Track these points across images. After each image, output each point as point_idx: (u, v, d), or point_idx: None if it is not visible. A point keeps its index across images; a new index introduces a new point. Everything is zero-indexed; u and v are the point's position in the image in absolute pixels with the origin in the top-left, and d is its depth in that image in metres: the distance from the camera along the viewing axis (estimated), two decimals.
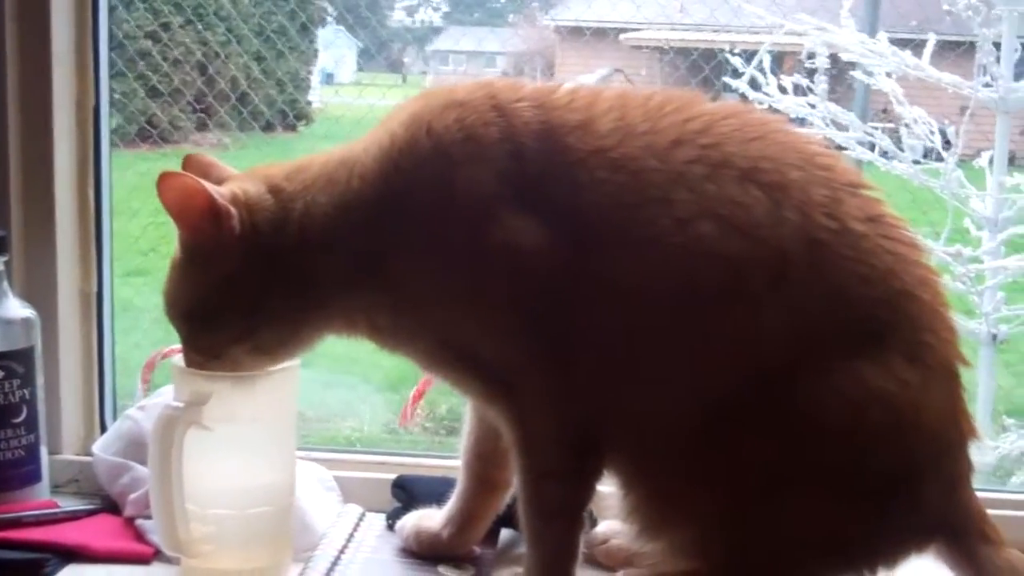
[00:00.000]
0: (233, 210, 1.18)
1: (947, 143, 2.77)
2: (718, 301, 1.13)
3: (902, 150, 2.78)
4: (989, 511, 1.26)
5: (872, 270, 1.15)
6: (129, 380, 2.80)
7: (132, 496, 1.45)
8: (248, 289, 1.21)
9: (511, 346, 1.17)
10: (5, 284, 1.44)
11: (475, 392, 1.25)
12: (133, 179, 4.22)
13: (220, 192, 1.19)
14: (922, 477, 1.17)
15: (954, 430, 1.19)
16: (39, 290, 1.54)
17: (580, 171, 1.15)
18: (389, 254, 1.18)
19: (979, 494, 1.25)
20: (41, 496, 1.49)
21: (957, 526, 1.22)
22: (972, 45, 2.73)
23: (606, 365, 1.16)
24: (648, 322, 1.15)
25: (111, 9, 1.61)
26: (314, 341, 1.27)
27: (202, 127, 4.53)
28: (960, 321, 2.59)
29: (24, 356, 1.45)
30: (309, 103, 4.68)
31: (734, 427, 1.13)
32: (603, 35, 4.12)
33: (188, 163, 1.27)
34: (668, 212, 1.13)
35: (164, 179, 1.16)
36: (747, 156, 1.15)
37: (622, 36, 4.06)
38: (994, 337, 2.72)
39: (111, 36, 1.60)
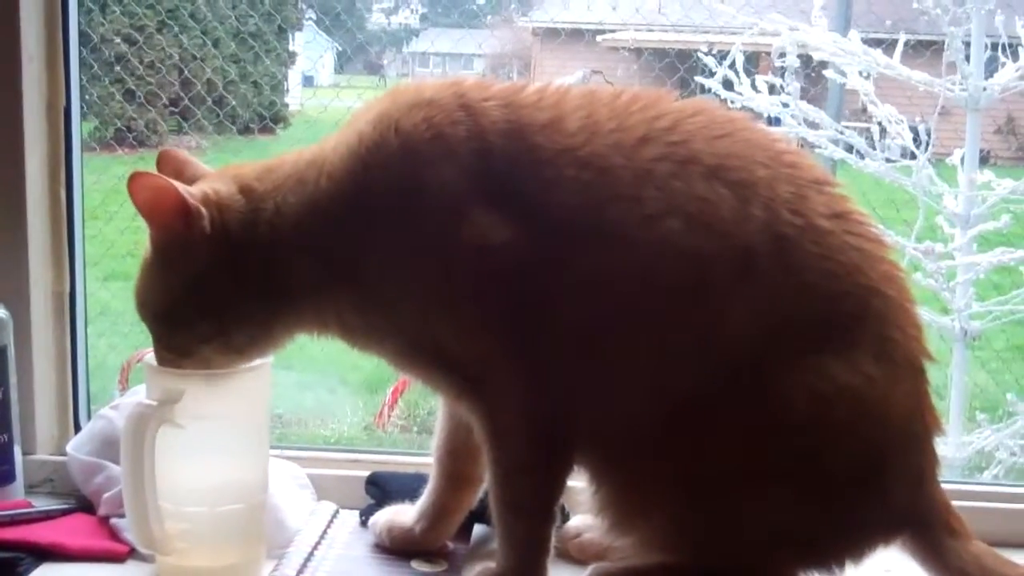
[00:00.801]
0: (204, 210, 1.19)
1: (919, 141, 2.79)
2: (685, 297, 1.14)
3: (875, 149, 2.80)
4: (962, 503, 1.28)
5: (838, 266, 1.16)
6: (108, 384, 2.80)
7: (106, 495, 1.45)
8: (218, 289, 1.22)
9: (479, 341, 1.18)
10: None
11: (446, 388, 1.26)
12: (110, 182, 4.21)
13: (191, 192, 1.19)
14: (888, 471, 1.18)
15: (920, 425, 1.20)
16: (11, 290, 1.54)
17: (548, 169, 1.16)
18: (358, 253, 1.19)
19: (952, 487, 1.27)
20: (15, 496, 1.48)
21: (923, 519, 1.23)
22: (944, 45, 2.75)
23: (573, 360, 1.17)
24: (615, 318, 1.16)
25: (87, 13, 1.61)
26: (285, 340, 1.27)
27: (179, 130, 4.52)
28: (932, 318, 2.63)
29: None
30: (286, 105, 4.68)
31: (700, 422, 1.14)
32: (580, 36, 4.13)
33: (162, 159, 1.28)
34: (636, 209, 1.14)
35: (135, 178, 1.16)
36: (714, 153, 1.16)
37: (599, 37, 4.07)
38: (966, 333, 2.74)
39: (87, 39, 1.60)
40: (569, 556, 1.38)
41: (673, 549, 1.22)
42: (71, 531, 1.42)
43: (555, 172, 1.15)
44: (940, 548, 1.23)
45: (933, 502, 1.23)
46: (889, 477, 1.18)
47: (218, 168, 1.28)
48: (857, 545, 1.21)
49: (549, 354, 1.17)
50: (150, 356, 1.30)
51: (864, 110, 2.96)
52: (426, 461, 1.45)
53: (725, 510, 1.16)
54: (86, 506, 1.49)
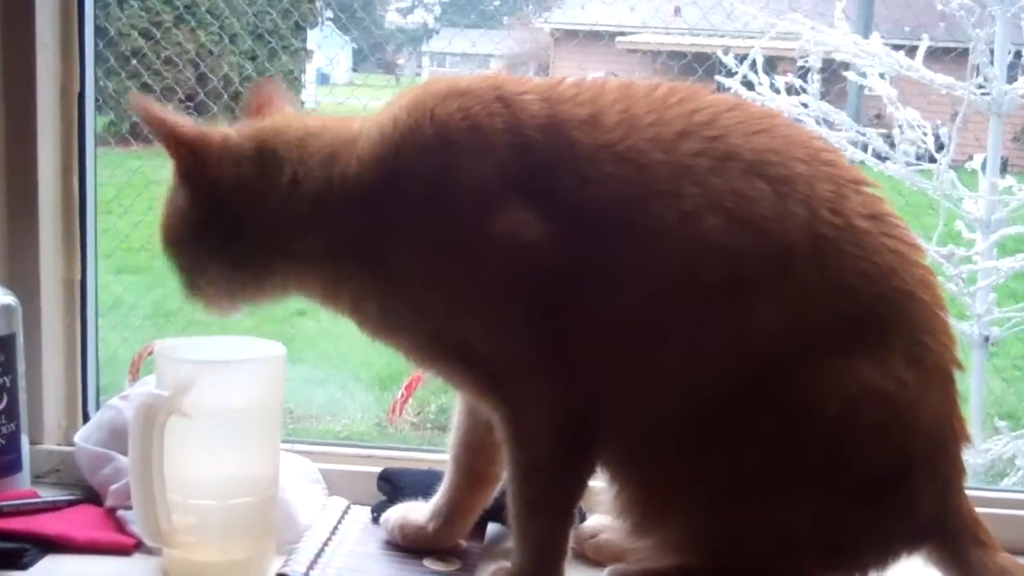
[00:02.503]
0: (207, 152, 1.20)
1: (940, 145, 2.77)
2: (721, 295, 1.12)
3: (894, 152, 2.77)
4: (981, 511, 1.26)
5: (874, 268, 1.13)
6: (119, 377, 2.79)
7: (114, 486, 1.44)
8: (210, 230, 1.23)
9: (507, 339, 1.16)
10: None
11: (467, 386, 1.24)
12: (124, 176, 4.22)
13: (203, 133, 1.20)
14: (916, 477, 1.16)
15: (948, 433, 1.18)
16: (21, 277, 1.53)
17: (586, 165, 1.14)
18: (383, 240, 1.17)
19: (972, 493, 1.24)
20: (21, 486, 1.47)
21: (950, 528, 1.21)
22: (965, 51, 2.73)
23: (603, 360, 1.15)
24: (649, 316, 1.14)
25: (104, 7, 1.60)
26: (278, 295, 1.27)
27: None
28: (952, 323, 2.60)
29: (5, 344, 1.43)
30: (302, 103, 4.67)
31: (728, 422, 1.12)
32: (597, 38, 4.12)
33: (257, 90, 1.31)
34: (675, 205, 1.12)
35: (145, 110, 1.19)
36: (752, 149, 1.14)
37: (617, 39, 4.06)
38: (986, 339, 2.71)
39: (103, 33, 1.60)
40: (585, 557, 1.36)
41: (695, 551, 1.20)
42: (77, 522, 1.41)
43: (594, 168, 1.13)
44: (966, 559, 1.21)
45: (959, 512, 1.21)
46: (916, 484, 1.16)
47: (282, 116, 1.26)
48: (881, 553, 1.19)
49: (577, 353, 1.15)
50: (161, 346, 1.29)
51: (879, 116, 2.94)
52: (438, 458, 1.44)
53: (750, 513, 1.14)
54: (93, 497, 1.47)
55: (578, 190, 1.14)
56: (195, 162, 1.21)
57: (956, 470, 1.20)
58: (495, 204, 1.13)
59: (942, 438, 1.17)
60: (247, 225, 1.21)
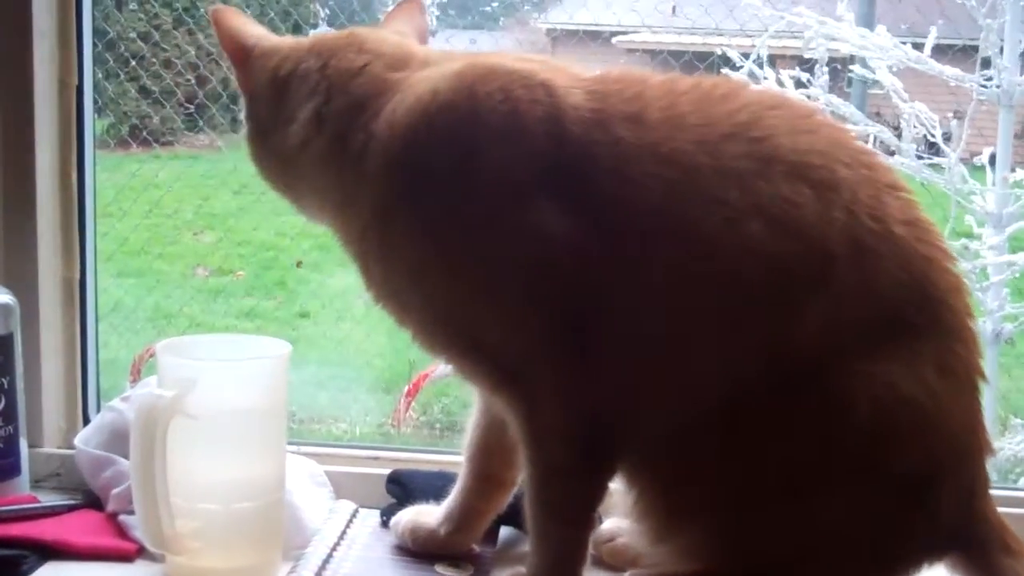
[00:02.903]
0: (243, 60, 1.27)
1: (948, 139, 2.75)
2: (761, 300, 1.10)
3: (903, 146, 2.75)
4: (1001, 509, 1.23)
5: (909, 276, 1.12)
6: (120, 380, 2.76)
7: (115, 491, 1.41)
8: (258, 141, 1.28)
9: (523, 334, 1.13)
10: None
11: (481, 379, 1.21)
12: (124, 179, 4.22)
13: (252, 36, 1.27)
14: (941, 485, 1.14)
15: (973, 442, 1.17)
16: (19, 276, 1.51)
17: (629, 164, 1.11)
18: (397, 213, 1.14)
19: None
20: (21, 491, 1.45)
21: (976, 536, 1.19)
22: (966, 48, 2.71)
23: (630, 361, 1.12)
24: (683, 319, 1.11)
25: (103, 10, 1.59)
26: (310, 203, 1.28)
27: (193, 128, 4.52)
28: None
29: (3, 344, 1.41)
30: None
31: (755, 426, 1.10)
32: (595, 37, 4.11)
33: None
34: (718, 210, 1.10)
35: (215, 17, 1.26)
36: (796, 150, 1.12)
37: (615, 39, 4.05)
38: (998, 335, 2.68)
39: (102, 35, 1.58)
40: (602, 561, 1.34)
41: (715, 556, 1.16)
42: (78, 528, 1.39)
43: (636, 167, 1.11)
44: (995, 566, 1.19)
45: (986, 520, 1.19)
46: (942, 492, 1.14)
47: (341, 38, 1.26)
48: (906, 559, 1.17)
49: (599, 352, 1.12)
50: (163, 345, 1.27)
51: (878, 114, 2.93)
52: (447, 459, 1.42)
53: (774, 518, 1.12)
54: (94, 502, 1.45)
55: (616, 188, 1.11)
56: (236, 68, 1.27)
57: (981, 478, 1.19)
58: (521, 193, 1.11)
59: (968, 446, 1.16)
60: (273, 144, 1.25)
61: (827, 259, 1.10)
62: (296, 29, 4.69)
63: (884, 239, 1.11)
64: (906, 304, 1.12)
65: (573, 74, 1.17)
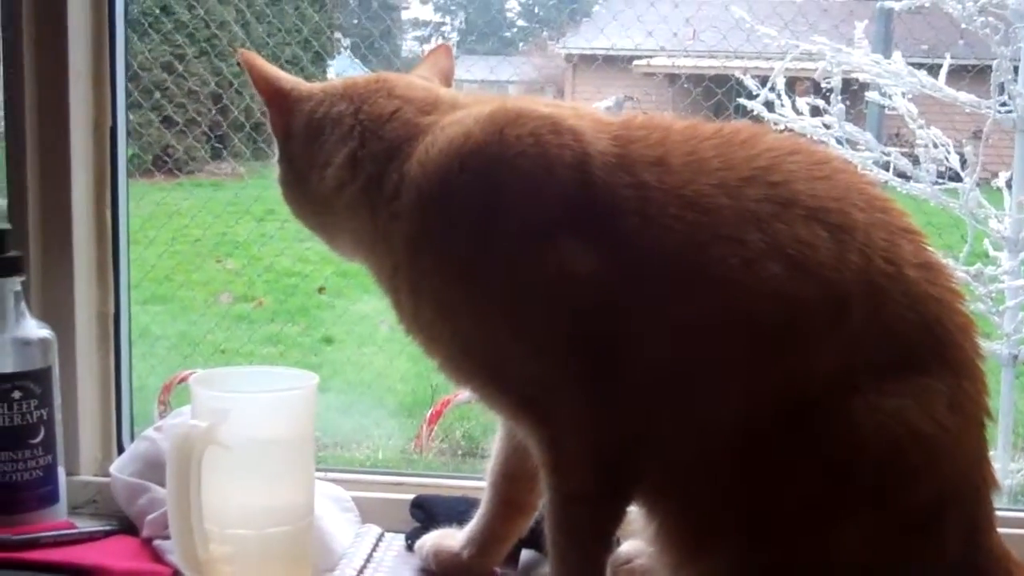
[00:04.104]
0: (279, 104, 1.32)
1: (964, 163, 2.76)
2: (777, 339, 1.12)
3: (918, 171, 2.77)
4: (1010, 531, 1.25)
5: (920, 317, 1.14)
6: (146, 407, 2.81)
7: (150, 517, 1.44)
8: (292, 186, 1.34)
9: (547, 366, 1.16)
10: (23, 304, 1.44)
11: (502, 407, 1.23)
12: (149, 208, 4.26)
13: (287, 80, 1.32)
14: (948, 516, 1.15)
15: (979, 476, 1.19)
16: (56, 310, 1.54)
17: (652, 206, 1.14)
18: (426, 250, 1.18)
19: (1000, 514, 1.23)
20: (59, 517, 1.47)
21: (980, 569, 1.20)
22: (984, 69, 2.72)
23: (648, 394, 1.15)
24: (701, 356, 1.13)
25: (126, 40, 1.62)
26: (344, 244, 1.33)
27: (216, 156, 4.56)
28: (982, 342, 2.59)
29: (41, 377, 1.44)
30: None
31: (770, 460, 1.12)
32: (614, 62, 4.13)
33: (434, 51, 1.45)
34: (738, 251, 1.12)
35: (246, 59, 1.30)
36: (813, 195, 1.15)
37: (633, 63, 4.07)
38: (1015, 358, 2.69)
39: (126, 65, 1.61)
40: None
41: None
42: (114, 553, 1.41)
43: (659, 209, 1.13)
44: None
45: (990, 552, 1.21)
46: (947, 524, 1.16)
47: (371, 82, 1.31)
48: None
49: (620, 383, 1.14)
50: (195, 377, 1.30)
51: (897, 135, 2.93)
52: (470, 484, 1.44)
53: (786, 550, 1.13)
54: (129, 528, 1.48)
55: (640, 230, 1.13)
56: (271, 110, 1.32)
57: (985, 512, 1.21)
58: (548, 233, 1.14)
59: (974, 481, 1.18)
60: (308, 187, 1.30)
61: (842, 300, 1.12)
62: (317, 58, 4.75)
63: (897, 281, 1.14)
64: (917, 343, 1.14)
65: (599, 119, 1.20)
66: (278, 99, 1.31)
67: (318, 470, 1.45)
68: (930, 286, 1.16)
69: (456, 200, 1.17)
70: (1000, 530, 1.23)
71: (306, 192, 1.30)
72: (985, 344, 2.46)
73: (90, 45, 1.56)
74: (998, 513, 1.25)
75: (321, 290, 4.51)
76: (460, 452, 3.29)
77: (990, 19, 2.56)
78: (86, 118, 1.56)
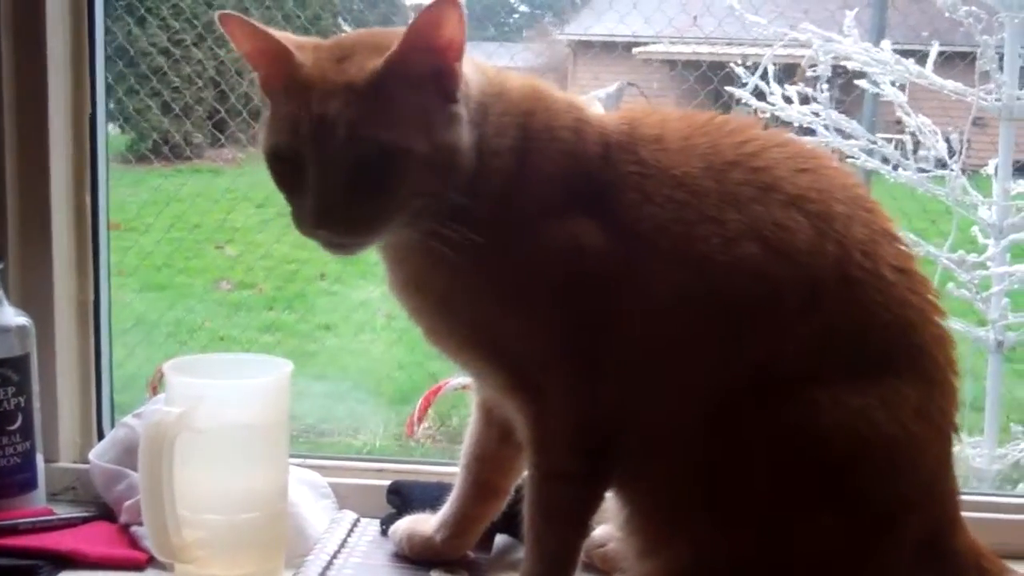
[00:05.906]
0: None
1: (952, 152, 2.76)
2: (752, 320, 1.15)
3: (907, 159, 2.77)
4: (995, 516, 1.26)
5: (894, 320, 1.16)
6: (141, 395, 2.81)
7: (127, 503, 1.46)
8: None
9: (545, 341, 1.18)
10: (0, 292, 1.45)
11: (498, 382, 1.24)
12: (146, 194, 4.26)
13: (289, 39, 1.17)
14: (910, 519, 1.17)
15: (943, 485, 1.21)
16: (35, 298, 1.55)
17: (649, 184, 1.17)
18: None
19: (985, 499, 1.24)
20: (37, 504, 1.49)
21: (948, 570, 1.23)
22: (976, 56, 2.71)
23: (632, 372, 1.17)
24: (682, 333, 1.16)
25: (124, 26, 1.62)
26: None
27: (215, 143, 4.56)
28: (967, 329, 2.60)
29: (19, 364, 1.46)
30: None
31: (739, 446, 1.13)
32: (614, 49, 4.13)
33: None
34: (718, 231, 1.15)
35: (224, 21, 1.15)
36: (796, 184, 1.17)
37: (634, 50, 4.07)
38: (1000, 344, 2.70)
39: (124, 52, 1.62)
40: (593, 566, 1.37)
41: (697, 573, 1.20)
42: (91, 539, 1.43)
43: (655, 188, 1.17)
44: None
45: (956, 554, 1.23)
46: (909, 531, 1.18)
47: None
48: None
49: (609, 364, 1.17)
50: (171, 364, 1.31)
51: (898, 122, 2.93)
52: (449, 471, 1.44)
53: (752, 539, 1.15)
54: (107, 514, 1.49)
55: (638, 207, 1.16)
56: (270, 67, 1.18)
57: (949, 517, 1.23)
58: (561, 211, 1.16)
59: (938, 489, 1.20)
60: None
61: (815, 286, 1.14)
62: None
63: (874, 277, 1.15)
64: (891, 345, 1.16)
65: (623, 114, 1.23)
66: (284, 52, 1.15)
67: (296, 456, 1.46)
68: (909, 293, 1.17)
69: (514, 192, 1.17)
70: (986, 515, 1.23)
71: None
72: (970, 331, 2.49)
73: (68, 31, 1.57)
74: (984, 499, 1.25)
75: (322, 276, 4.51)
76: (459, 440, 3.27)
77: (972, 8, 2.55)
78: (65, 105, 1.57)
